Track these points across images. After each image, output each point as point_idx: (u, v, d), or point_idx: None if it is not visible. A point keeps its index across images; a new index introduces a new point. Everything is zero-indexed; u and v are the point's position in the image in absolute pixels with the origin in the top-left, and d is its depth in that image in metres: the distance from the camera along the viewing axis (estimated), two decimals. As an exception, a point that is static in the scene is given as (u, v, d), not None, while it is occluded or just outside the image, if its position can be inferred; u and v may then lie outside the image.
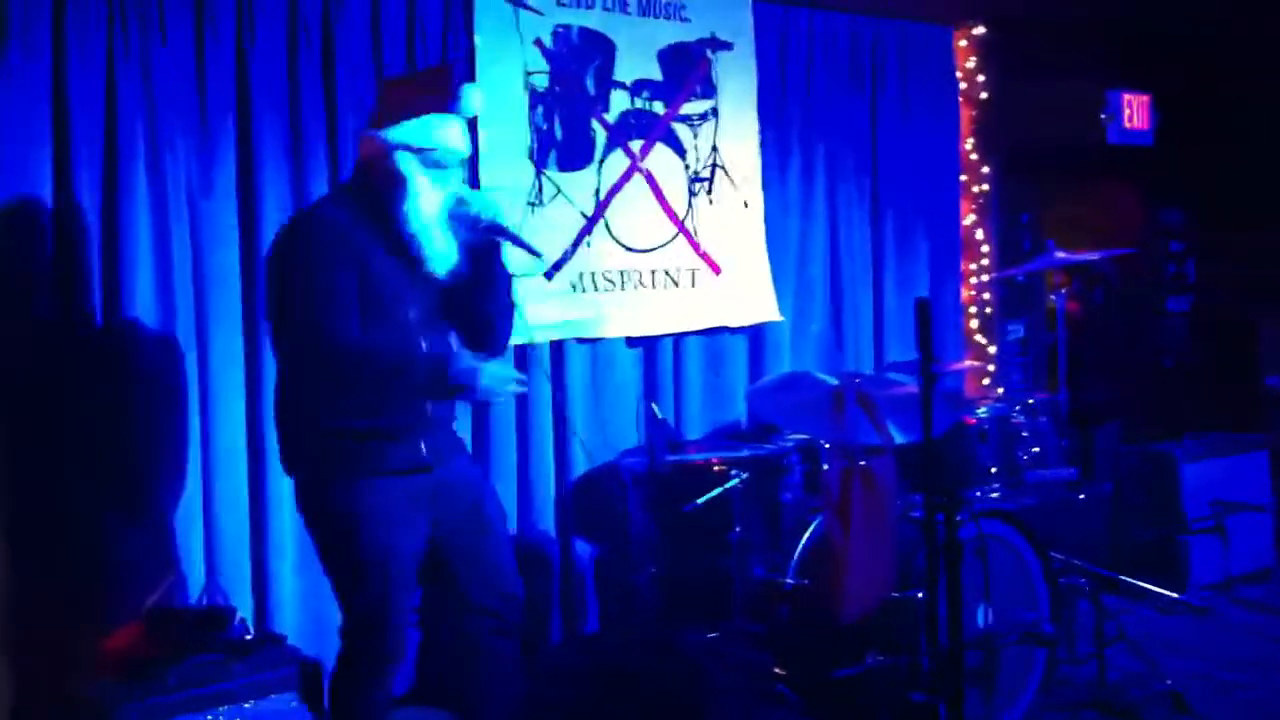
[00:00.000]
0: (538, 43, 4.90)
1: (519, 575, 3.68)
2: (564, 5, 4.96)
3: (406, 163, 3.33)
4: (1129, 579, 5.34)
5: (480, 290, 3.45)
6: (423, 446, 3.37)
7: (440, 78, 3.57)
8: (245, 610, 4.18)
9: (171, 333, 4.10)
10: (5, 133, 3.81)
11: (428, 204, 3.33)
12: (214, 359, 4.19)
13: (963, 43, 6.31)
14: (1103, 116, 6.81)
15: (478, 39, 4.73)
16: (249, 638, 3.75)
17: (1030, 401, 4.88)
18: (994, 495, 4.58)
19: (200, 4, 4.16)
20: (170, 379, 4.10)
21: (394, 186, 3.33)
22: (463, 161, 3.50)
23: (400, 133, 3.32)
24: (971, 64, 6.31)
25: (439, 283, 3.40)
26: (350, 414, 3.27)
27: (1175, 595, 5.54)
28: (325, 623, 4.37)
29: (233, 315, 4.24)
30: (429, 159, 3.35)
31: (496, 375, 3.28)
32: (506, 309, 3.57)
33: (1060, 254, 4.83)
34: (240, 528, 4.24)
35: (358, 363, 3.23)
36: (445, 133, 3.37)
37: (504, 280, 3.52)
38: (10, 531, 3.79)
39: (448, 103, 3.40)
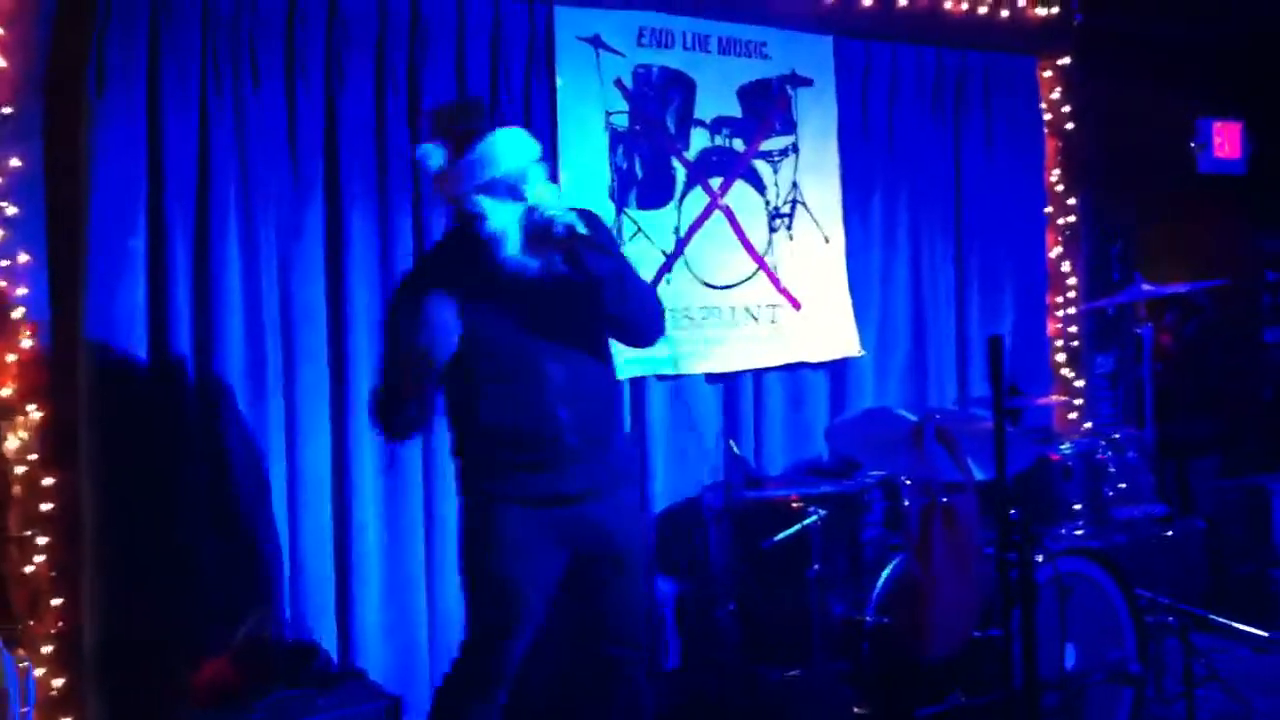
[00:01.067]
0: (618, 83, 4.96)
1: (645, 624, 3.66)
2: (644, 45, 5.02)
3: (475, 201, 3.31)
4: (1219, 617, 5.23)
5: (592, 290, 3.33)
6: (561, 479, 3.36)
7: (462, 113, 3.47)
8: (330, 645, 4.26)
9: (261, 371, 4.20)
10: (105, 175, 3.95)
11: (499, 220, 3.29)
12: (301, 395, 4.29)
13: (1047, 73, 6.25)
14: (1193, 145, 6.70)
15: (559, 80, 4.80)
16: (333, 672, 3.81)
17: (1116, 436, 4.81)
18: (1079, 533, 4.52)
19: (291, 51, 4.28)
20: (258, 415, 4.21)
21: (477, 222, 3.32)
22: (531, 166, 3.40)
23: (459, 175, 3.31)
24: (1056, 94, 6.25)
25: (547, 295, 3.34)
26: (490, 444, 3.34)
27: (1269, 634, 5.40)
28: (408, 658, 4.46)
29: (319, 353, 4.34)
30: (495, 187, 3.31)
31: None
32: (626, 301, 3.38)
33: (1146, 286, 4.76)
34: (325, 562, 4.32)
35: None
36: (497, 155, 3.32)
37: (607, 273, 3.33)
38: (104, 565, 3.90)
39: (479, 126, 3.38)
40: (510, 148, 3.33)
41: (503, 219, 3.27)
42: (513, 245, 3.27)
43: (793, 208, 5.41)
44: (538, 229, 3.25)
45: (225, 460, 4.13)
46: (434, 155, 3.35)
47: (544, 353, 3.33)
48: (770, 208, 5.35)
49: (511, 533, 3.33)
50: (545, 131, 4.76)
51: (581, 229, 3.24)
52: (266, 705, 3.53)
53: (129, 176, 4.01)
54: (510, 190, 3.30)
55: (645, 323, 3.50)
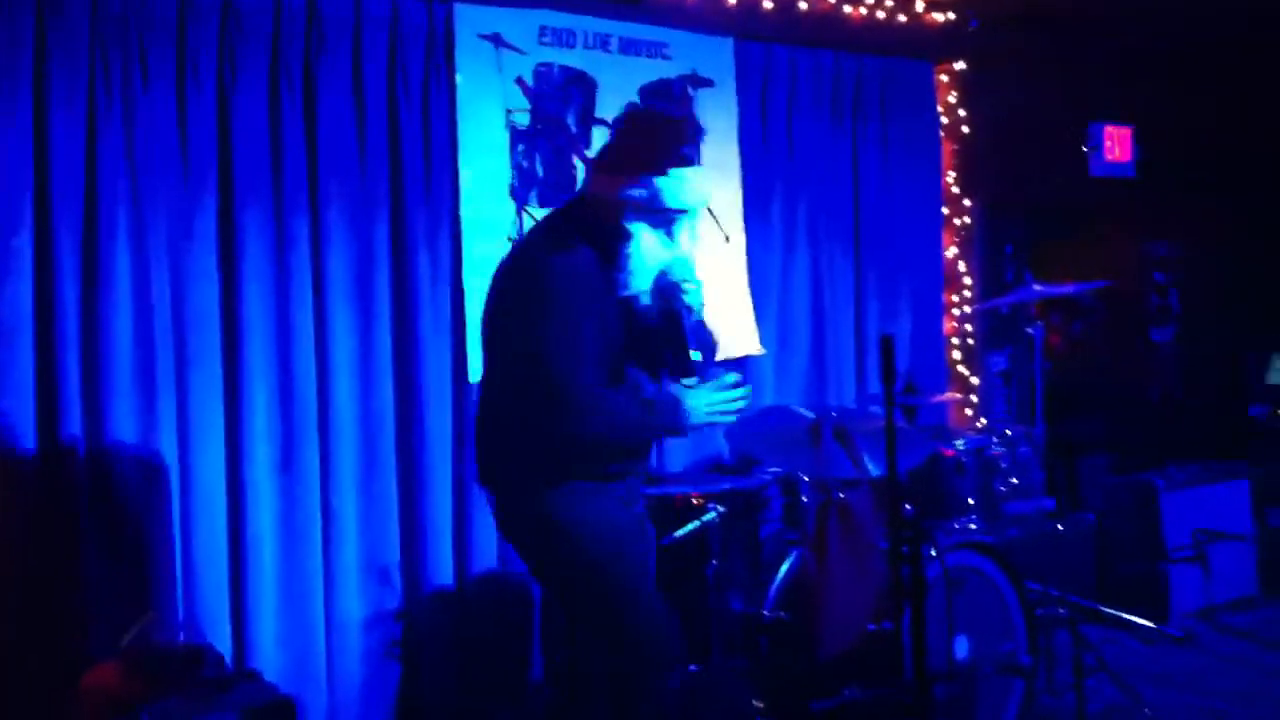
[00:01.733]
0: (519, 81, 4.95)
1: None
2: (545, 44, 5.02)
3: (636, 216, 3.27)
4: (1108, 609, 5.36)
5: (671, 343, 3.40)
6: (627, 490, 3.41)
7: (687, 129, 3.40)
8: (225, 648, 4.20)
9: (151, 372, 4.13)
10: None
11: (647, 258, 3.28)
12: (193, 398, 4.23)
13: (944, 78, 6.36)
14: (1085, 149, 6.86)
15: (459, 78, 4.78)
16: (227, 675, 3.75)
17: (1008, 433, 4.91)
18: (972, 527, 4.60)
19: (182, 49, 4.21)
20: (149, 417, 4.14)
21: (620, 237, 3.27)
22: (695, 212, 3.41)
23: (640, 188, 3.26)
24: (953, 99, 6.37)
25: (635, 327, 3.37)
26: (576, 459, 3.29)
27: (1156, 625, 5.55)
28: (305, 660, 4.42)
29: (212, 356, 4.28)
30: (660, 215, 3.30)
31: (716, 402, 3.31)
32: (683, 364, 3.46)
33: (1037, 286, 4.86)
34: (219, 565, 4.26)
35: (603, 417, 3.22)
36: (683, 189, 3.30)
37: (694, 336, 3.43)
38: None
39: (693, 157, 3.33)
40: (699, 188, 3.35)
41: (645, 260, 3.28)
42: (643, 285, 3.29)
43: (693, 207, 5.42)
44: (663, 289, 3.30)
45: (113, 462, 4.05)
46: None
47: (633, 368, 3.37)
48: (671, 208, 5.36)
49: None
50: (444, 127, 4.75)
51: (699, 311, 3.35)
52: (156, 710, 3.46)
53: (15, 175, 3.92)
54: (667, 224, 3.33)
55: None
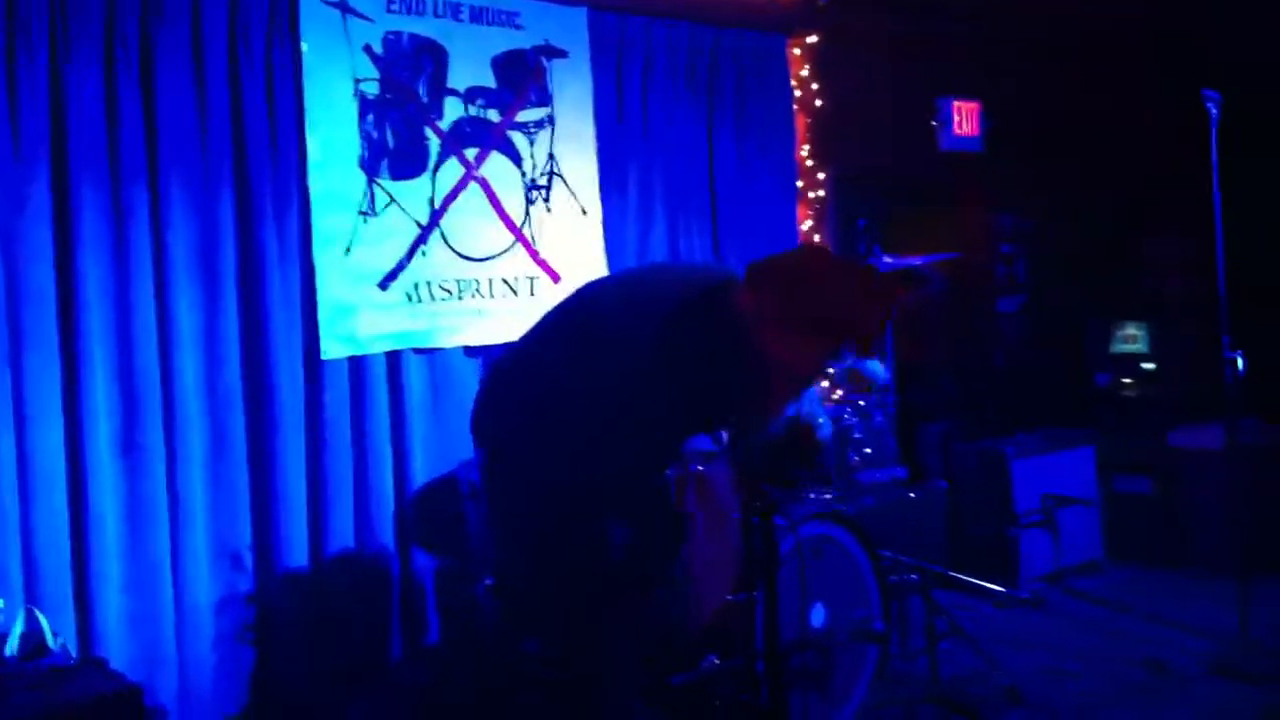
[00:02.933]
0: (367, 49, 4.84)
1: None
2: (394, 12, 4.91)
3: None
4: (959, 574, 5.47)
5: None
6: None
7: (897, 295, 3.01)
8: (69, 635, 4.05)
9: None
10: None
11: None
12: (29, 379, 4.06)
13: (797, 51, 6.40)
14: (934, 124, 6.97)
15: (304, 45, 4.65)
16: (71, 664, 3.62)
17: (861, 403, 4.97)
18: (827, 497, 4.65)
19: (11, 18, 4.02)
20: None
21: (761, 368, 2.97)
22: None
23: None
24: (806, 72, 6.41)
25: None
26: None
27: (1006, 589, 5.69)
28: (154, 646, 4.29)
29: (48, 336, 4.10)
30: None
31: None
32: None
33: (887, 259, 4.93)
34: (61, 550, 4.11)
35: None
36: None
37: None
38: None
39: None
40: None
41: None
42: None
43: (550, 180, 5.39)
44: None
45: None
46: None
47: None
48: (527, 179, 5.32)
49: None
50: (290, 97, 4.63)
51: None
52: (-6, 703, 3.33)
53: None
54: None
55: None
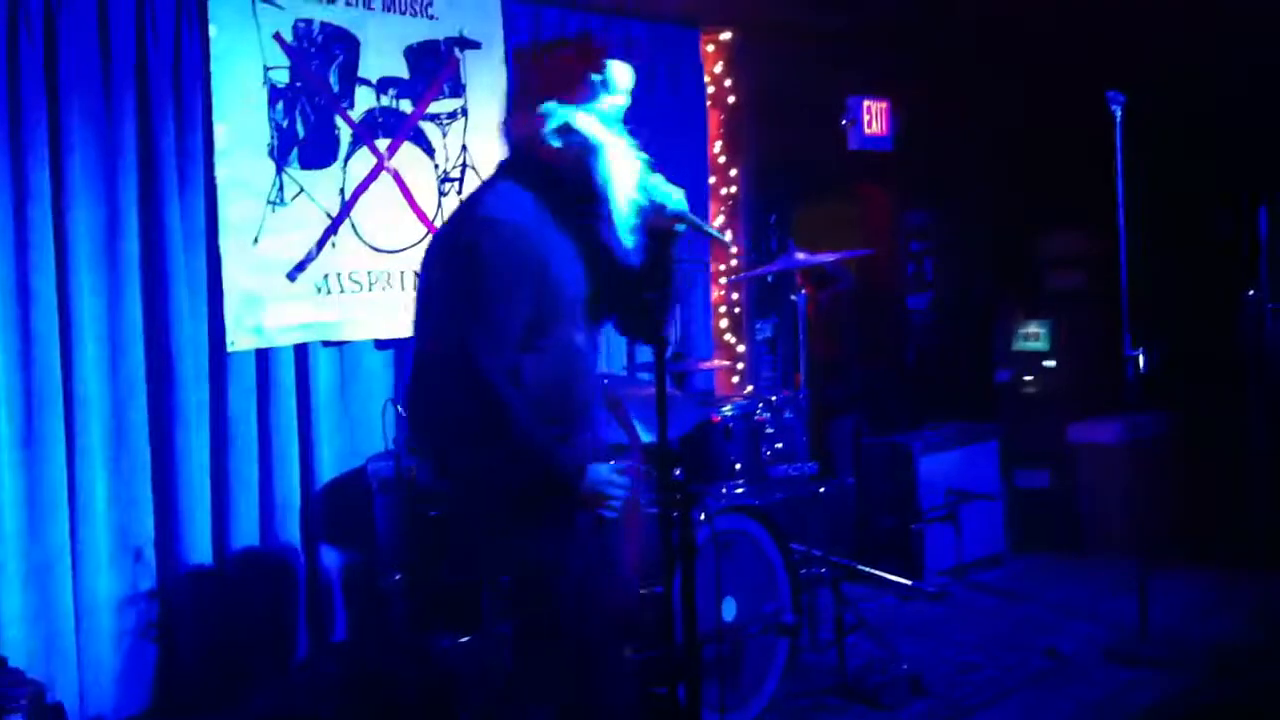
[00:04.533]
0: (277, 37, 4.77)
1: None
2: (305, -1, 4.85)
3: (590, 126, 2.96)
4: (866, 567, 5.55)
5: (652, 278, 3.09)
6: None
7: (591, 45, 3.14)
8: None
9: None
10: None
11: (623, 173, 2.97)
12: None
13: (710, 47, 6.42)
14: (844, 122, 7.03)
15: (213, 30, 4.57)
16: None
17: (774, 399, 5.01)
18: (739, 491, 4.68)
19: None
20: None
21: (584, 158, 2.96)
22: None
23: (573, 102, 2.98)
24: (719, 68, 6.44)
25: (615, 269, 3.11)
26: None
27: (910, 582, 5.77)
28: (54, 643, 4.19)
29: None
30: (610, 114, 3.02)
31: (614, 485, 3.02)
32: (671, 298, 3.19)
33: (800, 255, 4.96)
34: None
35: (496, 413, 2.89)
36: (620, 76, 3.05)
37: (674, 269, 3.15)
38: None
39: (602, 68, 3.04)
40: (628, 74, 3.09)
41: (631, 187, 2.96)
42: (629, 230, 2.99)
43: (463, 171, 5.35)
44: (648, 205, 2.99)
45: None
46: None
47: (594, 328, 3.13)
48: (440, 171, 5.28)
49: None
50: (198, 84, 4.54)
51: (686, 209, 3.02)
52: (-118, 703, 3.23)
53: None
54: (615, 123, 3.05)
55: (665, 320, 3.23)
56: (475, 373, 2.86)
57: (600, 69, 3.03)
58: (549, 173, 3.02)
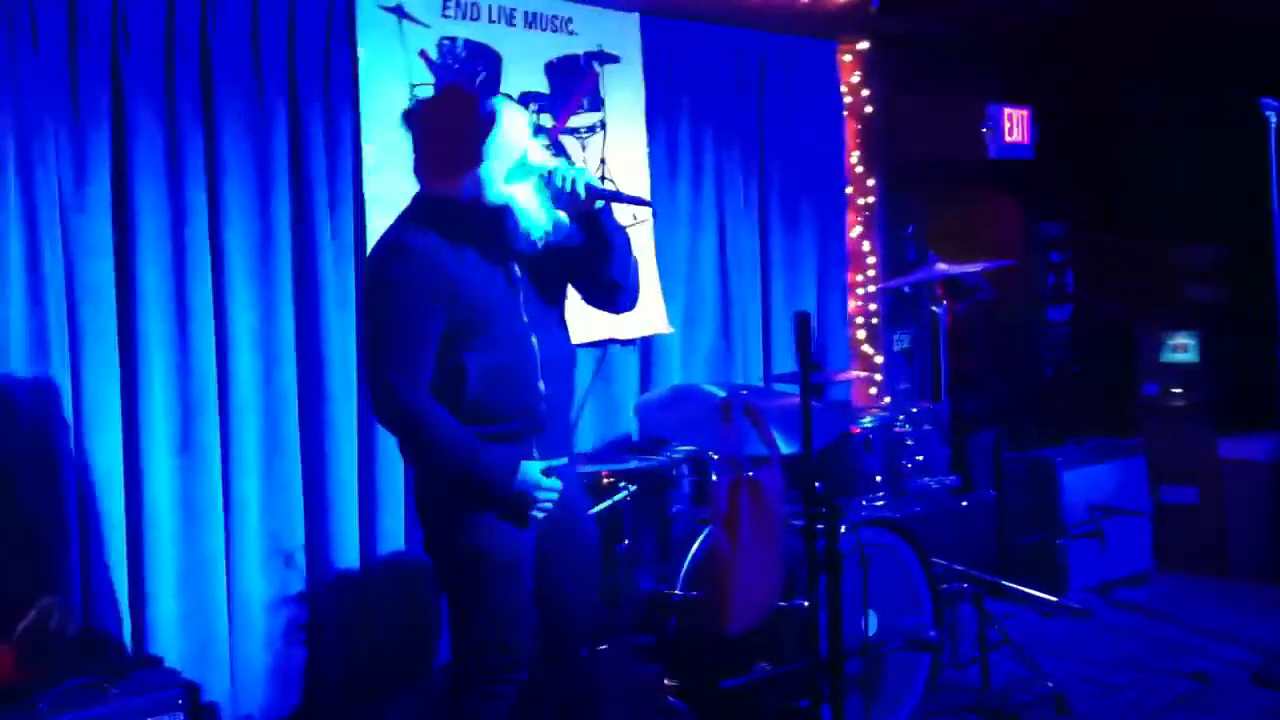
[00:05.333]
0: (423, 54, 4.87)
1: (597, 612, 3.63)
2: (449, 17, 4.94)
3: (492, 183, 3.15)
4: (1010, 583, 5.45)
5: (600, 255, 3.26)
6: (535, 451, 3.25)
7: (461, 97, 3.31)
8: (124, 634, 4.09)
9: (44, 349, 3.99)
10: None
11: (529, 199, 3.15)
12: (87, 376, 4.09)
13: (847, 57, 6.39)
14: (983, 130, 6.94)
15: (361, 51, 4.68)
16: (125, 661, 3.66)
17: (914, 410, 4.96)
18: (879, 503, 4.64)
19: (73, 11, 4.06)
20: (40, 396, 3.99)
21: (485, 210, 3.16)
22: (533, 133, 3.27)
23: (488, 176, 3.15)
24: (856, 78, 6.40)
25: (545, 252, 3.24)
26: (474, 417, 3.18)
27: (1055, 599, 5.66)
28: (207, 645, 4.32)
29: (107, 332, 4.14)
30: (517, 169, 3.17)
31: (542, 488, 3.18)
32: (629, 268, 3.37)
33: (941, 265, 4.91)
34: (117, 549, 4.13)
35: (410, 426, 3.17)
36: (515, 135, 3.16)
37: (620, 240, 3.30)
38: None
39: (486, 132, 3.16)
40: (518, 125, 3.19)
41: (528, 197, 3.14)
42: (535, 216, 3.16)
43: (601, 184, 5.39)
44: (558, 193, 3.15)
45: (5, 443, 3.91)
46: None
47: (531, 324, 3.26)
48: (578, 185, 5.33)
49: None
50: (346, 102, 4.65)
51: (596, 182, 3.17)
52: (52, 697, 3.36)
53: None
54: (522, 165, 3.19)
55: (634, 288, 3.45)
56: (387, 389, 3.10)
57: (485, 133, 3.12)
58: (455, 204, 3.18)
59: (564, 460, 3.28)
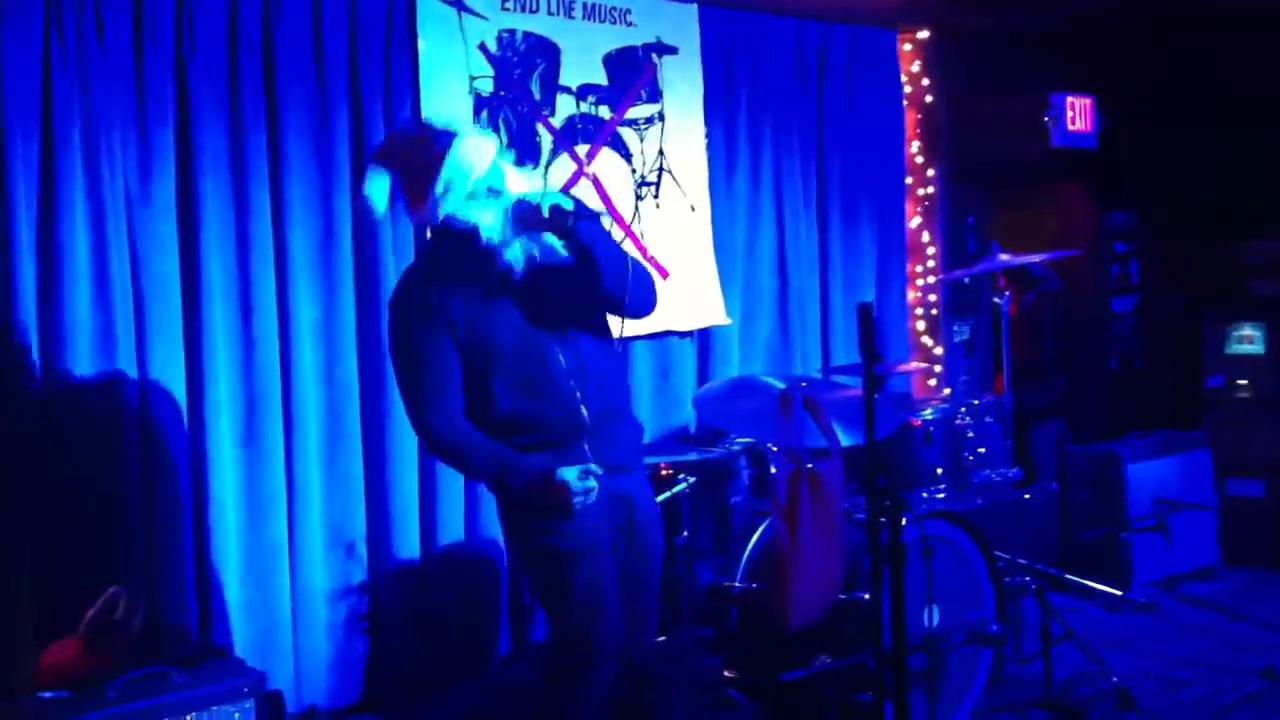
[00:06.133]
0: (482, 47, 4.88)
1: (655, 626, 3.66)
2: (508, 10, 4.95)
3: (467, 211, 3.22)
4: (1074, 577, 5.39)
5: (589, 272, 3.28)
6: (590, 452, 3.31)
7: (421, 131, 3.38)
8: (190, 623, 4.15)
9: (111, 344, 4.05)
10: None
11: (500, 226, 3.23)
12: (153, 370, 4.15)
13: (907, 47, 6.34)
14: (1046, 119, 6.84)
15: (421, 44, 4.71)
16: (193, 651, 3.70)
17: (975, 403, 4.91)
18: (940, 496, 4.61)
19: (139, 9, 4.11)
20: (107, 388, 4.05)
21: (468, 237, 3.23)
22: (498, 160, 3.31)
23: (436, 206, 3.23)
24: (916, 68, 6.35)
25: (545, 270, 3.29)
26: (510, 432, 3.29)
27: (1120, 593, 5.59)
28: (272, 634, 4.37)
29: (173, 327, 4.20)
30: (476, 196, 3.23)
31: (575, 492, 3.22)
32: (625, 280, 3.35)
33: (1004, 256, 4.86)
34: (182, 541, 4.20)
35: (453, 456, 3.35)
36: (467, 168, 3.22)
37: (606, 255, 3.30)
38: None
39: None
40: (478, 152, 3.24)
41: (494, 221, 3.21)
42: (508, 241, 3.23)
43: (659, 176, 5.40)
44: (527, 216, 3.20)
45: (73, 435, 3.97)
46: (379, 188, 3.24)
47: (549, 339, 3.30)
48: (637, 176, 5.34)
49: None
50: (406, 96, 4.68)
51: (566, 203, 3.20)
52: (120, 685, 3.42)
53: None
54: (490, 191, 3.24)
55: (639, 293, 3.43)
56: (423, 429, 3.31)
57: (440, 160, 3.18)
58: (446, 235, 3.28)
59: (592, 466, 3.27)
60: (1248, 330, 6.70)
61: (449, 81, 4.79)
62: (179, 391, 4.20)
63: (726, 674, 4.29)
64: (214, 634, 4.22)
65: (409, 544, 4.70)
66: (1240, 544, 6.29)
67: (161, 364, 4.17)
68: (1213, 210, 7.08)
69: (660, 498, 4.26)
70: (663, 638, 4.30)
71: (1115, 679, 4.59)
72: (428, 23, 4.72)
